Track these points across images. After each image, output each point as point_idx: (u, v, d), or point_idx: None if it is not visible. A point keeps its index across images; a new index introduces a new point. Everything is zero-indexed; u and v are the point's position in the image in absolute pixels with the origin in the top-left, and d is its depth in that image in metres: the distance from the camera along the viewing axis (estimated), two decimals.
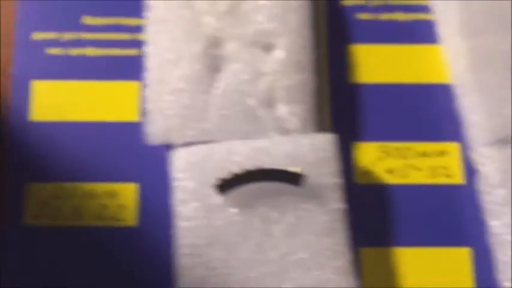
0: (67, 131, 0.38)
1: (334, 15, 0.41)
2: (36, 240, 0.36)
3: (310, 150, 0.34)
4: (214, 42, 0.37)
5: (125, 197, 0.37)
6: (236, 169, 0.33)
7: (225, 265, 0.32)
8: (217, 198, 0.33)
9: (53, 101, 0.38)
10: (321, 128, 0.37)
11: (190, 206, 0.33)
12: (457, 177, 0.37)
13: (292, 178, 0.33)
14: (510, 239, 0.34)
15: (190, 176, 0.34)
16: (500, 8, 0.38)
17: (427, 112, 0.39)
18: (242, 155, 0.34)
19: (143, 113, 0.37)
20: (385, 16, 0.41)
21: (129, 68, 0.39)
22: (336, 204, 0.34)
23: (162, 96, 0.36)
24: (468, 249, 0.36)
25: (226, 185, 0.33)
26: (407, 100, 0.39)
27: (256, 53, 0.37)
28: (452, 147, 0.38)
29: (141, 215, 0.36)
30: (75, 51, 0.39)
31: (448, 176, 0.37)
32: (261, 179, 0.33)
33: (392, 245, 0.36)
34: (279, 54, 0.37)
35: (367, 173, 0.37)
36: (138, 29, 0.39)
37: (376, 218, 0.37)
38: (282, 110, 0.36)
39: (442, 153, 0.38)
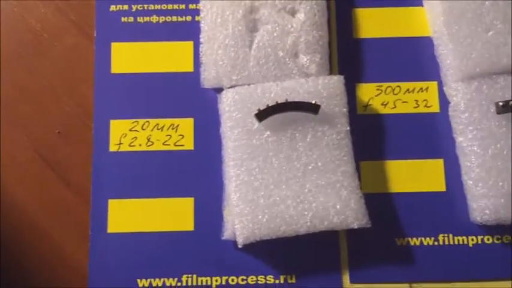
0: (140, 81, 0.48)
1: None
2: (122, 162, 0.47)
3: (325, 88, 0.44)
4: (251, 9, 0.47)
5: (184, 128, 0.47)
6: (270, 103, 0.43)
7: (262, 172, 0.43)
8: (256, 125, 0.44)
9: (128, 58, 0.48)
10: (331, 72, 0.48)
11: (236, 130, 0.44)
12: (435, 107, 0.47)
13: (311, 108, 0.43)
14: (472, 149, 0.44)
15: (235, 109, 0.44)
16: None
17: (413, 58, 0.48)
18: (274, 92, 0.44)
19: (199, 64, 0.47)
20: None
21: (185, 31, 0.48)
22: (343, 127, 0.44)
23: (213, 51, 0.46)
24: (442, 160, 0.46)
25: (262, 114, 0.43)
26: (397, 50, 0.48)
27: (283, 16, 0.46)
28: (432, 84, 0.48)
29: (196, 142, 0.47)
30: (143, 19, 0.49)
31: (427, 106, 0.47)
32: (288, 110, 0.43)
33: (385, 159, 0.46)
34: (301, 16, 0.46)
35: (367, 106, 0.48)
36: (191, 0, 0.49)
37: (373, 139, 0.47)
38: (304, 59, 0.46)
39: (424, 90, 0.48)
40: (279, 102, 0.43)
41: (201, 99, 0.47)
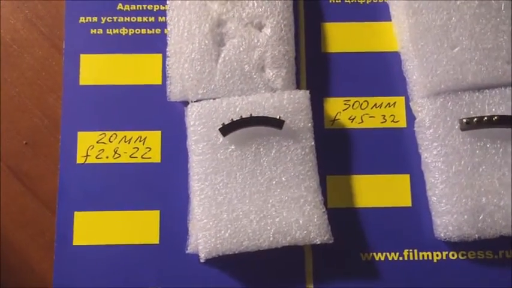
0: (108, 93, 0.48)
1: (311, 0, 0.50)
2: (88, 174, 0.47)
3: (290, 103, 0.45)
4: (219, 23, 0.47)
5: (152, 141, 0.47)
6: (235, 117, 0.44)
7: (226, 186, 0.43)
8: (220, 139, 0.44)
9: (97, 70, 0.48)
10: (298, 86, 0.48)
11: (201, 144, 0.44)
12: (402, 122, 0.48)
13: (275, 123, 0.43)
14: (436, 165, 0.44)
15: (200, 123, 0.44)
16: None
17: (381, 73, 0.48)
18: (239, 107, 0.44)
19: (166, 77, 0.47)
20: (349, 0, 0.50)
21: (154, 44, 0.48)
22: (308, 142, 0.44)
23: (180, 64, 0.46)
24: (408, 175, 0.46)
25: (226, 129, 0.43)
26: (366, 64, 0.49)
27: (250, 31, 0.46)
28: (399, 100, 0.48)
29: (164, 154, 0.47)
30: (112, 31, 0.49)
31: (395, 121, 0.48)
32: (252, 125, 0.43)
33: (351, 174, 0.47)
34: (267, 31, 0.46)
35: (334, 121, 0.48)
36: (159, 13, 0.49)
37: (340, 154, 0.47)
38: (270, 73, 0.46)
39: (391, 105, 0.48)
40: (244, 116, 0.43)
41: (168, 112, 0.48)
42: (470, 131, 0.44)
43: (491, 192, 0.43)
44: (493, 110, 0.45)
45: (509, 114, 0.44)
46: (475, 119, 0.43)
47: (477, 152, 0.44)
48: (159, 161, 0.47)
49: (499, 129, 0.44)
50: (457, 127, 0.45)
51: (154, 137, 0.47)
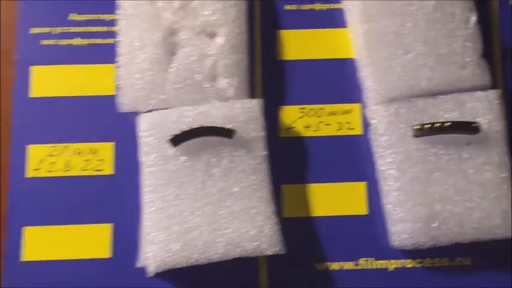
0: (60, 104, 0.47)
1: (267, 7, 0.50)
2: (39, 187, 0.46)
3: (241, 112, 0.44)
4: (171, 32, 0.46)
5: (104, 153, 0.46)
6: (185, 128, 0.43)
7: (177, 198, 0.42)
8: (171, 150, 0.43)
9: (48, 81, 0.47)
10: (253, 95, 0.47)
11: (152, 156, 0.43)
12: (358, 130, 0.47)
13: (225, 133, 0.43)
14: (390, 173, 0.44)
15: (151, 133, 0.44)
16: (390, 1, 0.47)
17: (337, 80, 0.48)
18: (190, 117, 0.44)
19: (117, 88, 0.46)
20: (305, 6, 0.50)
21: (107, 54, 0.48)
22: (260, 151, 0.44)
23: (130, 75, 0.45)
24: (364, 183, 0.46)
25: (176, 140, 0.42)
26: (321, 72, 0.48)
27: (202, 40, 0.46)
28: (355, 107, 0.48)
29: (117, 166, 0.46)
30: (63, 42, 0.49)
31: (350, 129, 0.47)
32: (202, 135, 0.42)
33: (307, 182, 0.46)
34: (220, 40, 0.46)
35: (289, 129, 0.47)
36: (112, 23, 0.48)
37: (295, 163, 0.46)
38: (222, 82, 0.45)
39: (347, 112, 0.48)
40: (195, 127, 0.43)
41: (122, 123, 0.47)
42: (424, 137, 0.44)
43: (444, 199, 0.43)
44: (447, 116, 0.44)
45: (463, 120, 0.44)
46: (427, 126, 0.43)
47: (430, 158, 0.44)
48: (112, 173, 0.46)
49: (453, 136, 0.44)
50: (410, 134, 0.44)
51: (106, 149, 0.47)
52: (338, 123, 0.47)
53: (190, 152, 0.43)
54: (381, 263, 0.45)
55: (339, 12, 0.49)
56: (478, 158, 0.44)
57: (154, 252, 0.41)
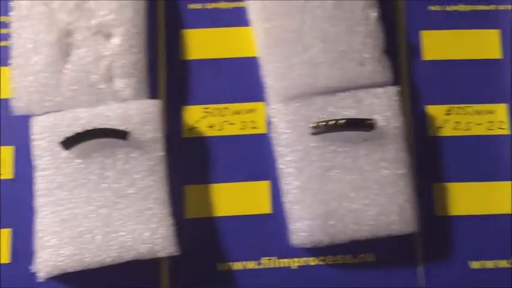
0: None
1: (170, 6, 0.49)
2: None
3: (137, 113, 0.43)
4: (66, 33, 0.45)
5: (4, 157, 0.46)
6: (79, 130, 0.42)
7: (70, 202, 0.42)
8: (65, 152, 0.42)
9: None
10: (155, 96, 0.47)
11: (45, 159, 0.42)
12: (262, 129, 0.47)
13: (118, 134, 0.42)
14: (289, 171, 0.44)
15: (44, 136, 0.43)
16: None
17: (241, 79, 0.48)
18: (85, 119, 0.43)
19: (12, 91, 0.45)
20: (211, 5, 0.49)
21: (1, 57, 0.47)
22: (157, 152, 0.43)
23: (24, 77, 0.44)
24: (268, 182, 0.46)
25: (68, 143, 0.42)
26: (225, 71, 0.48)
27: (98, 40, 0.45)
28: (259, 105, 0.47)
29: (17, 170, 0.45)
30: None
31: (254, 128, 0.47)
32: (94, 137, 0.42)
33: (211, 182, 0.46)
34: (116, 40, 0.45)
35: (192, 129, 0.47)
36: (5, 25, 0.47)
37: (198, 163, 0.46)
38: (119, 83, 0.45)
39: (251, 111, 0.47)
40: (87, 129, 0.42)
41: (21, 126, 0.45)
42: (322, 135, 0.44)
43: (341, 197, 0.43)
44: (345, 113, 0.44)
45: (360, 117, 0.44)
46: (322, 123, 0.43)
47: (328, 156, 0.44)
48: (12, 177, 0.45)
49: (351, 133, 0.44)
50: (309, 132, 0.44)
51: (6, 153, 0.46)
52: (242, 122, 0.47)
53: (85, 154, 0.43)
54: (283, 262, 0.45)
55: (244, 11, 0.49)
56: (374, 155, 0.44)
57: (46, 257, 0.41)
